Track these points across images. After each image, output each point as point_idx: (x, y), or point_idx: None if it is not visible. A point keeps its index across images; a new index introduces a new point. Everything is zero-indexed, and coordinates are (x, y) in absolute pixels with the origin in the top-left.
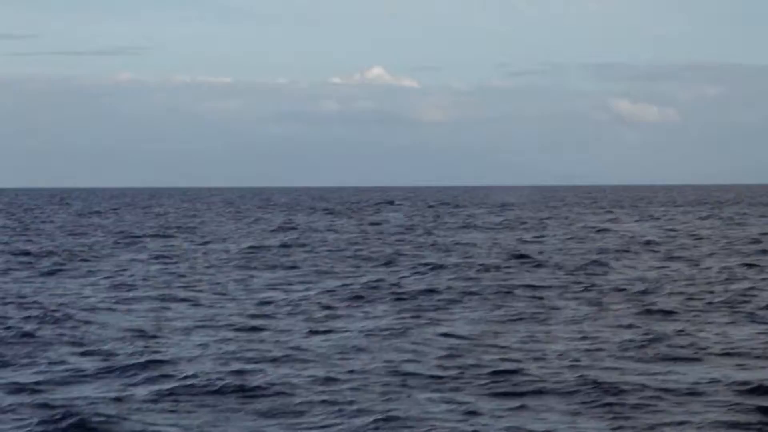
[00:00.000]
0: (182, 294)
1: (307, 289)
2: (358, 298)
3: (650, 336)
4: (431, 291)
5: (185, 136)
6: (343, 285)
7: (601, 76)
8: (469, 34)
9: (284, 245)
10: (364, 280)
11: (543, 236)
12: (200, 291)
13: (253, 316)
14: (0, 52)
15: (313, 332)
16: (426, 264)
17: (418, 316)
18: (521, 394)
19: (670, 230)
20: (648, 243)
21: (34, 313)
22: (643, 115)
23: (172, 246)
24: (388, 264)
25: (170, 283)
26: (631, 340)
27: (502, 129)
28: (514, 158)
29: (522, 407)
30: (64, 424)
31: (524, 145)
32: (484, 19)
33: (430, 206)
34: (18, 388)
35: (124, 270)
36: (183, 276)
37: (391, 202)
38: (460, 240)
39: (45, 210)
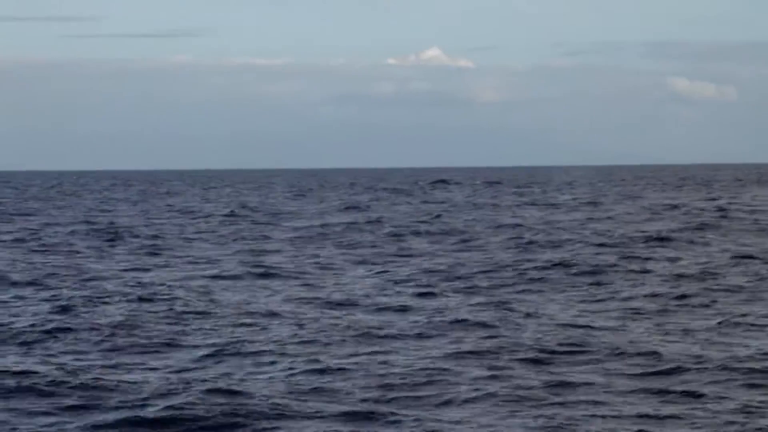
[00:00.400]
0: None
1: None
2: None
3: None
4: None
5: (241, 119)
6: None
7: (658, 55)
8: (525, 13)
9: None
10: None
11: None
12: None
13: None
14: (60, 35)
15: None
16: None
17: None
18: None
19: None
20: None
21: None
22: (701, 94)
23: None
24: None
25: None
26: None
27: (558, 109)
28: (570, 138)
29: None
30: None
31: (580, 124)
32: None
33: (490, 183)
34: None
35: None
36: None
37: (445, 181)
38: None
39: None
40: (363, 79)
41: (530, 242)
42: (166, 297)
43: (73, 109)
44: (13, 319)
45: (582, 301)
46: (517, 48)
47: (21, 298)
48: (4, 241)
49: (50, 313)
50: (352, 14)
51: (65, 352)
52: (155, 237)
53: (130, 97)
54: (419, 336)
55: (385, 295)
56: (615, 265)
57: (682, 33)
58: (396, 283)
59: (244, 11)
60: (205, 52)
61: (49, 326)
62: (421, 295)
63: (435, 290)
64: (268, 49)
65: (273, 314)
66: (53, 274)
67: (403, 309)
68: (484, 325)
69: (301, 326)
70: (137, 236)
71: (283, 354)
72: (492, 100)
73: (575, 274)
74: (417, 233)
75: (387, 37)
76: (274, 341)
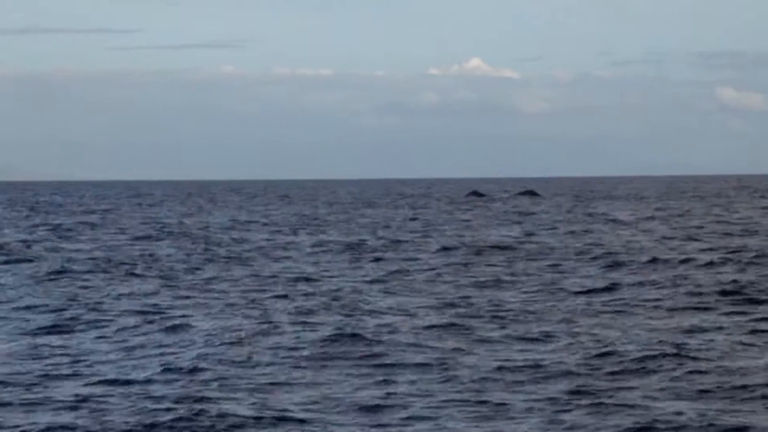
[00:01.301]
0: None
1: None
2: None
3: None
4: None
5: (284, 129)
6: None
7: (705, 65)
8: (570, 23)
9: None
10: None
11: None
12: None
13: None
14: (105, 47)
15: None
16: None
17: None
18: None
19: None
20: None
21: None
22: (749, 103)
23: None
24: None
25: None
26: None
27: (604, 119)
28: (617, 148)
29: None
30: None
31: (627, 134)
32: (586, 7)
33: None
34: None
35: None
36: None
37: (480, 194)
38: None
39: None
40: (405, 90)
41: None
42: None
43: (118, 120)
44: None
45: None
46: (562, 58)
47: None
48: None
49: None
50: (395, 25)
51: None
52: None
53: (176, 109)
54: None
55: None
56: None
57: (729, 43)
58: None
59: (288, 22)
60: (251, 62)
61: None
62: None
63: None
64: (312, 59)
65: None
66: None
67: None
68: None
69: None
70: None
71: None
72: (538, 110)
73: None
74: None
75: (429, 48)
76: None
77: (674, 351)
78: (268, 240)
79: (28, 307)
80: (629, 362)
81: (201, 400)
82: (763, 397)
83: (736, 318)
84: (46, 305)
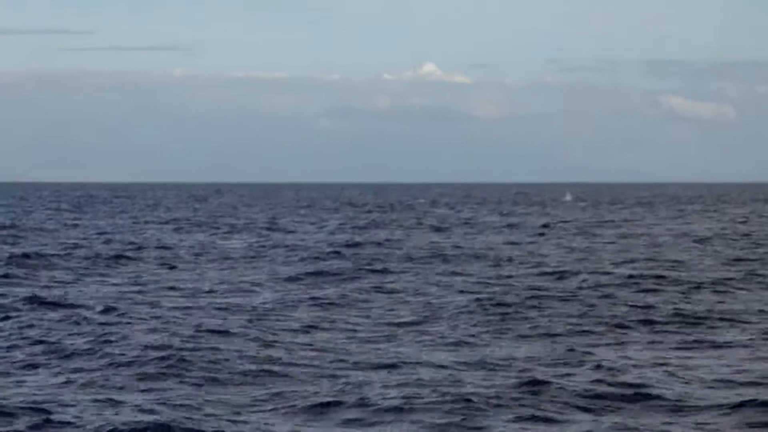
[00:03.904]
0: None
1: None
2: None
3: None
4: None
5: (238, 132)
6: None
7: (655, 73)
8: (521, 30)
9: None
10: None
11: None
12: None
13: None
14: (57, 48)
15: None
16: None
17: None
18: None
19: None
20: None
21: None
22: (699, 112)
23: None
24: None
25: None
26: None
27: (554, 126)
28: (567, 155)
29: None
30: None
31: (577, 142)
32: (536, 15)
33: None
34: None
35: None
36: None
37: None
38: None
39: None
40: (360, 94)
41: None
42: None
43: (71, 120)
44: None
45: None
46: (513, 64)
47: None
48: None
49: None
50: (350, 30)
51: None
52: None
53: (127, 110)
54: None
55: None
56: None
57: (679, 52)
58: None
59: (242, 25)
60: (204, 65)
61: None
62: None
63: None
64: (266, 63)
65: None
66: None
67: None
68: None
69: None
70: None
71: None
72: (489, 116)
73: None
74: None
75: (383, 52)
76: None
77: None
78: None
79: None
80: None
81: None
82: None
83: None
84: None
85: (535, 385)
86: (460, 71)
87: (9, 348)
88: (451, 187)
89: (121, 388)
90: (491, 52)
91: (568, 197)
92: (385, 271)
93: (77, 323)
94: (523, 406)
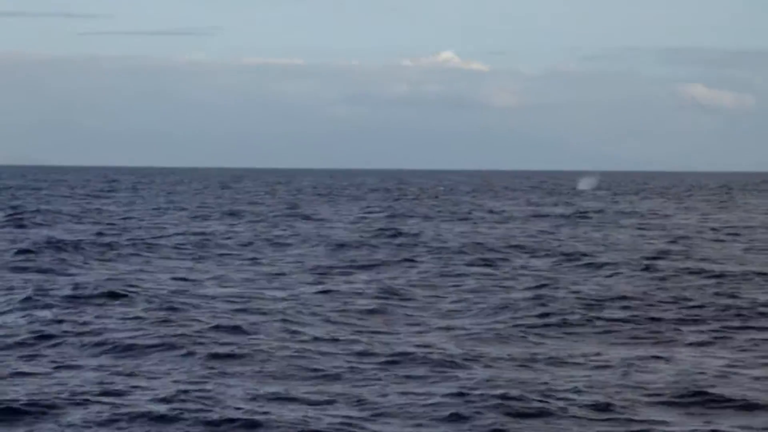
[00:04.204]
0: None
1: None
2: None
3: None
4: None
5: (254, 118)
6: None
7: (675, 61)
8: (540, 18)
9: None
10: None
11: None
12: None
13: None
14: (73, 32)
15: None
16: None
17: None
18: None
19: None
20: None
21: None
22: (718, 101)
23: None
24: None
25: None
26: None
27: (572, 114)
28: (585, 143)
29: None
30: None
31: (594, 130)
32: (555, 3)
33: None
34: None
35: None
36: None
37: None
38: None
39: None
40: (377, 80)
41: None
42: None
43: (86, 105)
44: None
45: None
46: (531, 52)
47: None
48: None
49: None
50: (368, 15)
51: None
52: None
53: (138, 95)
54: None
55: None
56: None
57: (700, 39)
58: None
59: (259, 10)
60: (220, 51)
61: None
62: None
63: None
64: (282, 48)
65: None
66: None
67: None
68: None
69: None
70: None
71: None
72: (506, 104)
73: None
74: None
75: (402, 39)
76: None
77: None
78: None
79: None
80: None
81: None
82: None
83: None
84: None
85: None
86: (477, 59)
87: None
88: (466, 174)
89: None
90: (509, 40)
91: (585, 185)
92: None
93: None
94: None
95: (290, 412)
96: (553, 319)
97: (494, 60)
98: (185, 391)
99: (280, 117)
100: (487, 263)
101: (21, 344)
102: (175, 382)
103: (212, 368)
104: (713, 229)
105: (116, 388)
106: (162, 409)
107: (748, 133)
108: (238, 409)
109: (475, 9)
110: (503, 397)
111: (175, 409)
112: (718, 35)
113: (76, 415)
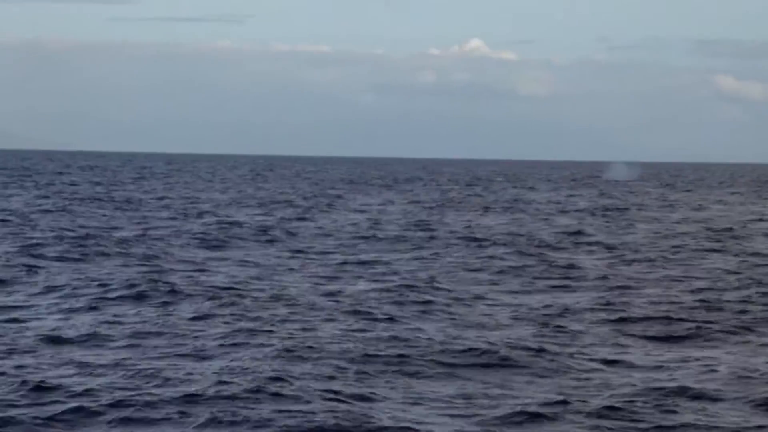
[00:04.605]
0: None
1: None
2: None
3: None
4: None
5: (281, 106)
6: None
7: (705, 52)
8: (569, 7)
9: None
10: None
11: None
12: None
13: None
14: (101, 18)
15: None
16: None
17: None
18: None
19: None
20: None
21: None
22: (748, 93)
23: None
24: None
25: None
26: None
27: (601, 104)
28: (614, 134)
29: None
30: None
31: (624, 120)
32: None
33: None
34: None
35: None
36: None
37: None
38: None
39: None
40: (404, 69)
41: None
42: None
43: (110, 92)
44: None
45: None
46: (560, 41)
47: None
48: None
49: None
50: (396, 3)
51: None
52: None
53: (172, 82)
54: None
55: None
56: None
57: (729, 31)
58: None
59: None
60: (249, 37)
61: None
62: None
63: None
64: (311, 35)
65: None
66: None
67: None
68: None
69: None
70: None
71: None
72: (534, 94)
73: None
74: None
75: (430, 27)
76: None
77: None
78: None
79: None
80: None
81: None
82: None
83: None
84: None
85: None
86: (506, 47)
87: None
88: (496, 164)
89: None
90: (538, 29)
91: (619, 175)
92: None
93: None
94: None
95: None
96: None
97: (523, 49)
98: None
99: (309, 105)
100: None
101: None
102: None
103: None
104: None
105: None
106: None
107: None
108: None
109: None
110: None
111: None
112: (748, 27)
113: None
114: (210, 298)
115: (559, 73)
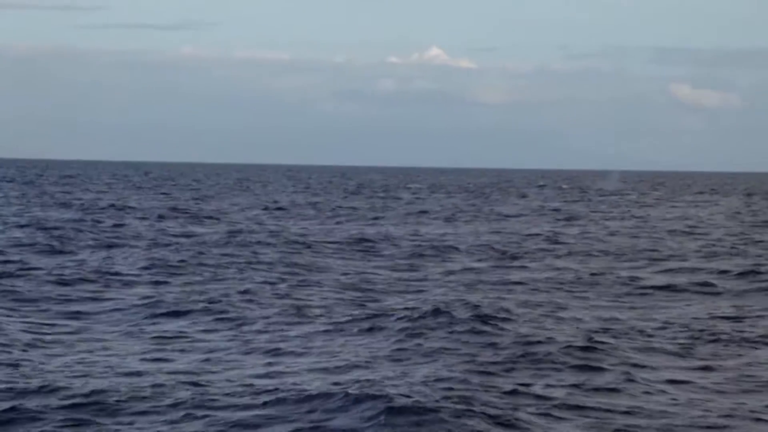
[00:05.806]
0: None
1: None
2: None
3: None
4: None
5: (243, 113)
6: None
7: (662, 61)
8: (529, 15)
9: None
10: None
11: None
12: None
13: None
14: (65, 24)
15: None
16: None
17: None
18: None
19: None
20: None
21: None
22: (705, 101)
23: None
24: None
25: None
26: None
27: (560, 112)
28: (573, 142)
29: None
30: None
31: (583, 129)
32: (544, 1)
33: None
34: None
35: None
36: None
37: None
38: None
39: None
40: (364, 77)
41: None
42: None
43: (77, 98)
44: None
45: None
46: (520, 50)
47: None
48: None
49: None
50: (356, 11)
51: None
52: None
53: (133, 89)
54: None
55: None
56: None
57: (687, 39)
58: None
59: (248, 5)
60: (210, 44)
61: None
62: None
63: None
64: (271, 43)
65: None
66: None
67: None
68: None
69: None
70: None
71: None
72: (494, 102)
73: None
74: None
75: (389, 35)
76: None
77: None
78: None
79: None
80: None
81: None
82: None
83: None
84: None
85: None
86: (466, 55)
87: None
88: (455, 172)
89: None
90: (498, 37)
91: (608, 185)
92: None
93: None
94: None
95: None
96: None
97: (483, 57)
98: None
99: (271, 113)
100: None
101: None
102: None
103: None
104: None
105: None
106: None
107: (734, 134)
108: None
109: (461, 5)
110: None
111: None
112: (707, 36)
113: None
114: None
115: (519, 81)
